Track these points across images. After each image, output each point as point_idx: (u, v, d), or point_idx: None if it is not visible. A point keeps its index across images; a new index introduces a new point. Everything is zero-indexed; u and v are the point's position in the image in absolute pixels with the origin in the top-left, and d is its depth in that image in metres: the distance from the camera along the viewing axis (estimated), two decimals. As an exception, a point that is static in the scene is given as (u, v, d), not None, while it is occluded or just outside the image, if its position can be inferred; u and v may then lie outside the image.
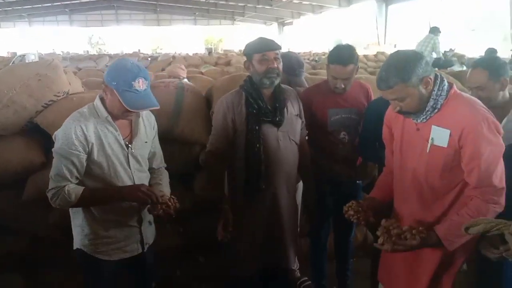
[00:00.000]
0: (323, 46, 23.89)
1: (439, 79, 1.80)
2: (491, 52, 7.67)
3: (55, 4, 32.91)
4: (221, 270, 2.70)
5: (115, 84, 1.85)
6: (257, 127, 2.31)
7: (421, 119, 1.83)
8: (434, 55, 8.36)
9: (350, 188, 2.78)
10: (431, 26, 8.36)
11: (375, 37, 22.38)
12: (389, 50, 16.29)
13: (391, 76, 1.72)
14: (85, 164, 1.94)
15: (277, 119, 2.33)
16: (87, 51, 30.65)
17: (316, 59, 15.55)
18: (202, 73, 7.42)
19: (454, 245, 1.77)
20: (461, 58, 8.30)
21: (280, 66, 2.31)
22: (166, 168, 2.33)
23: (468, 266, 2.25)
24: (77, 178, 1.95)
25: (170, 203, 2.03)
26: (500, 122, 1.91)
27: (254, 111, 2.31)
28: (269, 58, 2.26)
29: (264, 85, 2.30)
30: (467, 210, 1.72)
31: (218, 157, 2.39)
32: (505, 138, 1.78)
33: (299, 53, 20.30)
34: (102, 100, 1.98)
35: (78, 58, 18.05)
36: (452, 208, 1.84)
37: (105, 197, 2.00)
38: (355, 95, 2.69)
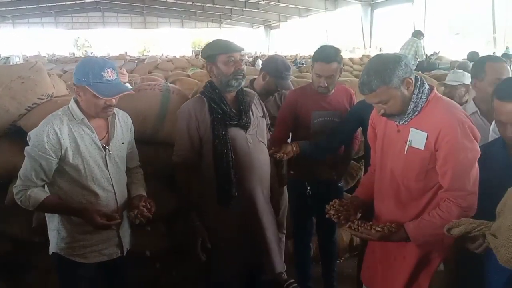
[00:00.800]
0: (309, 49, 24.01)
1: (419, 82, 1.82)
2: (473, 55, 7.80)
3: (40, 5, 32.49)
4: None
5: (85, 80, 1.87)
6: (224, 132, 2.24)
7: (403, 121, 1.85)
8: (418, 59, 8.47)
9: (332, 189, 2.81)
10: (414, 30, 8.47)
11: (361, 40, 22.60)
12: (375, 54, 16.47)
13: (372, 80, 1.73)
14: (54, 168, 1.95)
15: (243, 121, 2.29)
16: (73, 54, 30.37)
17: (303, 62, 15.63)
18: (189, 76, 7.43)
19: (421, 243, 1.83)
20: (453, 64, 8.37)
21: (245, 67, 2.30)
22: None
23: (446, 266, 2.28)
24: (43, 180, 1.96)
25: (144, 208, 2.05)
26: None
27: (219, 116, 2.25)
28: (236, 59, 2.23)
29: (231, 87, 2.26)
30: (438, 211, 1.77)
31: (187, 167, 2.32)
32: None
33: (285, 56, 20.36)
34: (77, 102, 1.98)
35: (64, 60, 17.88)
36: (425, 211, 1.87)
37: (63, 213, 2.02)
38: (338, 99, 2.72)
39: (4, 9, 31.32)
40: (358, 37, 23.08)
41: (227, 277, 2.41)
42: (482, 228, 1.41)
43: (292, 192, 3.00)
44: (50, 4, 32.99)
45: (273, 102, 3.04)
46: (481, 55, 8.49)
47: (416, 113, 1.82)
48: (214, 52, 2.25)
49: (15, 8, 31.76)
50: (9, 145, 2.76)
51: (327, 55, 2.53)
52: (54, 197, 1.98)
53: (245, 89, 2.40)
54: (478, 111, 2.49)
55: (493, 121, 2.36)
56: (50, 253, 2.11)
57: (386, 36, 20.63)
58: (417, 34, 8.36)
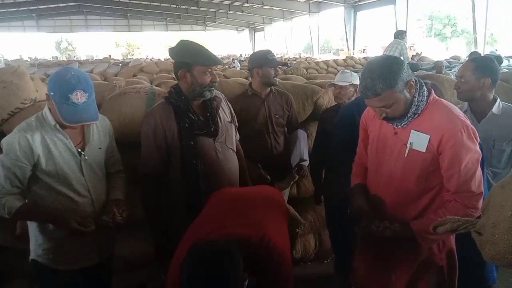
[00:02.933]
0: (294, 51, 24.15)
1: (418, 84, 1.81)
2: (475, 55, 7.91)
3: (21, 9, 31.99)
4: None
5: (53, 94, 1.82)
6: (192, 142, 2.16)
7: (402, 124, 1.84)
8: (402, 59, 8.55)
9: None
10: (397, 31, 8.52)
11: (344, 42, 22.80)
12: (358, 55, 16.64)
13: (377, 83, 1.70)
14: (28, 175, 1.92)
15: (211, 129, 2.21)
16: (56, 57, 29.97)
17: (288, 64, 15.68)
18: (174, 79, 7.39)
19: (426, 241, 1.83)
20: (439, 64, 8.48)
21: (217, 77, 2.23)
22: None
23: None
24: (18, 187, 1.92)
25: (117, 213, 2.02)
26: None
27: (187, 125, 2.15)
28: (212, 72, 2.16)
29: (203, 97, 2.18)
30: (445, 211, 1.77)
31: (155, 178, 2.22)
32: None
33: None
34: (50, 108, 1.94)
35: (47, 64, 17.60)
36: (425, 212, 1.88)
37: (40, 220, 1.99)
38: None
39: (-16, 12, 30.77)
40: (342, 39, 23.27)
41: None
42: (467, 225, 1.42)
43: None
44: (32, 8, 32.51)
45: (274, 100, 3.02)
46: (463, 56, 8.68)
47: (416, 115, 1.81)
48: (192, 62, 2.13)
49: (-5, 11, 31.23)
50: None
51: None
52: (29, 205, 1.95)
53: None
54: (469, 108, 2.56)
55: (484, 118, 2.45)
56: (30, 259, 2.08)
57: (369, 38, 20.86)
58: (400, 35, 8.43)
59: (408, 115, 1.80)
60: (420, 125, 1.81)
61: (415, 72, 6.63)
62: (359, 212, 2.01)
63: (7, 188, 1.89)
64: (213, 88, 2.18)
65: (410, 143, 1.82)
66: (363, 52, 20.70)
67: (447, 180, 1.79)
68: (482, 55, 5.86)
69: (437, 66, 7.87)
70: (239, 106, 2.79)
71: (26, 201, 1.98)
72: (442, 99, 1.88)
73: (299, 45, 33.16)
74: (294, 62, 15.39)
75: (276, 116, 2.98)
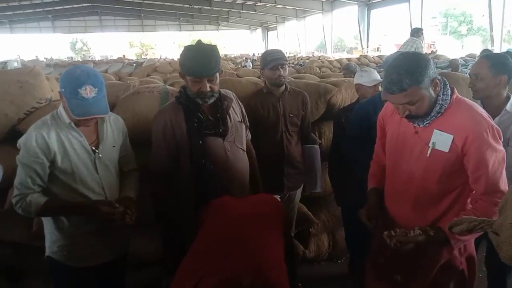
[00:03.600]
0: (307, 50, 24.08)
1: (442, 83, 1.77)
2: (487, 52, 7.78)
3: (37, 10, 32.48)
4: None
5: (64, 91, 1.84)
6: (200, 142, 2.16)
7: (425, 123, 1.80)
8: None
9: None
10: (413, 28, 8.40)
11: (358, 41, 22.65)
12: (372, 54, 16.51)
13: (404, 79, 1.65)
14: (48, 172, 1.94)
15: (220, 130, 2.20)
16: (71, 58, 30.35)
17: (301, 63, 15.65)
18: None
19: (459, 243, 1.79)
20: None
21: (216, 86, 2.15)
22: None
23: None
24: (40, 186, 1.95)
25: (127, 213, 2.00)
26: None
27: (195, 125, 2.16)
28: (202, 82, 2.09)
29: (197, 102, 2.16)
30: (474, 211, 1.72)
31: (165, 177, 2.24)
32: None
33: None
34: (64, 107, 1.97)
35: (62, 64, 17.85)
36: (446, 215, 1.83)
37: (67, 212, 2.01)
38: None
39: (1, 14, 31.30)
40: (356, 38, 23.10)
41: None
42: (484, 225, 1.41)
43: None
44: (47, 9, 32.99)
45: (289, 97, 3.00)
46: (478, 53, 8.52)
47: (440, 114, 1.77)
48: (183, 70, 2.15)
49: (12, 12, 31.74)
50: (9, 150, 2.75)
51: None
52: (54, 199, 1.97)
53: (223, 92, 2.30)
54: (482, 107, 2.51)
55: (498, 116, 2.40)
56: (45, 255, 2.11)
57: (384, 36, 20.66)
58: (416, 32, 8.31)
59: (432, 114, 1.76)
60: (443, 124, 1.77)
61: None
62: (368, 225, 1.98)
63: (30, 187, 1.92)
64: (203, 97, 2.13)
65: (433, 142, 1.78)
66: (377, 50, 20.55)
67: (474, 181, 1.75)
68: (497, 52, 5.71)
69: (453, 64, 7.77)
70: (254, 102, 2.84)
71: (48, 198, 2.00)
72: (465, 98, 1.84)
73: (312, 44, 33.02)
74: (307, 61, 15.34)
75: (291, 115, 2.95)
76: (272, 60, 2.86)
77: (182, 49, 2.19)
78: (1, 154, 2.72)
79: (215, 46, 2.16)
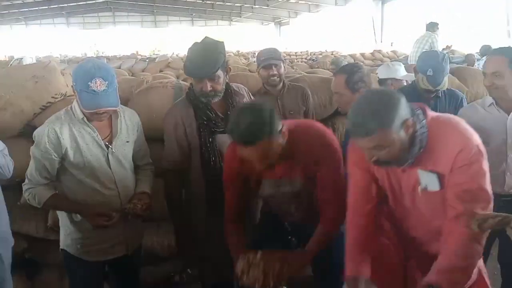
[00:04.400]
0: (320, 45, 23.92)
1: (415, 116, 1.56)
2: (487, 48, 7.66)
3: (52, 6, 32.79)
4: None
5: (75, 84, 1.86)
6: (210, 139, 2.17)
7: (405, 165, 1.60)
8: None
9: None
10: (428, 22, 8.27)
11: (372, 35, 22.41)
12: (386, 49, 16.33)
13: (369, 121, 1.45)
14: (57, 167, 1.98)
15: None
16: (85, 54, 30.62)
17: (314, 58, 15.56)
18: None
19: None
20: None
21: (219, 85, 2.12)
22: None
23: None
24: (47, 178, 2.00)
25: (138, 204, 2.04)
26: None
27: (205, 123, 2.17)
28: (203, 82, 2.09)
29: (201, 101, 2.16)
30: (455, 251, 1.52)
31: (177, 174, 2.27)
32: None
33: (296, 52, 20.27)
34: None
35: (76, 60, 17.95)
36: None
37: (67, 210, 2.06)
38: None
39: (16, 10, 31.66)
40: (369, 32, 22.88)
41: (220, 283, 2.36)
42: (507, 220, 1.38)
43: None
44: (62, 5, 33.28)
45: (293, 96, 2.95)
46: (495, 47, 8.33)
47: (422, 149, 1.56)
48: (185, 71, 2.17)
49: (27, 9, 32.10)
50: (25, 145, 2.77)
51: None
52: (57, 196, 2.02)
53: (235, 87, 2.28)
54: (494, 102, 2.45)
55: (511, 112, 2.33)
56: (60, 248, 2.15)
57: (397, 31, 20.43)
58: (432, 27, 8.18)
59: (411, 155, 1.56)
60: (427, 159, 1.57)
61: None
62: None
63: (37, 179, 1.98)
64: (207, 96, 2.12)
65: (420, 184, 1.60)
66: (391, 45, 20.31)
67: (456, 197, 1.54)
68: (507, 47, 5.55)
69: (469, 59, 7.65)
70: None
71: (56, 192, 2.05)
72: (438, 116, 1.63)
73: (326, 38, 32.79)
74: (320, 56, 15.22)
75: (291, 112, 2.87)
76: (264, 60, 2.84)
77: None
78: (17, 148, 2.74)
79: (220, 43, 2.13)
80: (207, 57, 2.06)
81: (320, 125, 1.98)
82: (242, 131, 1.62)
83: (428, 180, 1.58)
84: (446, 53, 9.78)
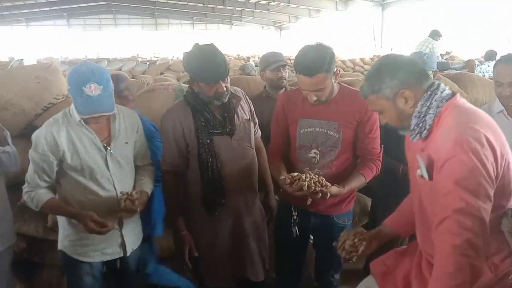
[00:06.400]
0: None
1: (428, 93, 1.50)
2: (491, 54, 7.68)
3: (53, 8, 32.86)
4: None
5: (70, 88, 1.87)
6: (208, 141, 2.19)
7: (413, 137, 1.55)
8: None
9: (325, 223, 2.34)
10: (432, 30, 8.33)
11: (372, 40, 22.47)
12: (386, 54, 16.32)
13: (364, 85, 1.53)
14: (56, 169, 1.98)
15: (227, 129, 2.21)
16: (85, 56, 30.64)
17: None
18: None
19: None
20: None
21: (228, 84, 2.17)
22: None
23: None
24: (46, 181, 2.00)
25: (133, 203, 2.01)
26: None
27: (203, 124, 2.18)
28: (218, 84, 2.10)
29: (213, 103, 2.17)
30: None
31: (175, 174, 2.30)
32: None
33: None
34: None
35: (76, 62, 17.99)
36: None
37: (64, 214, 2.06)
38: (342, 107, 2.17)
39: (17, 11, 31.72)
40: (369, 37, 22.94)
41: (217, 284, 2.38)
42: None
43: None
44: (63, 7, 33.34)
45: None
46: (500, 54, 8.37)
47: (425, 131, 1.50)
48: (195, 78, 2.15)
49: (29, 10, 32.14)
50: (26, 145, 2.78)
51: (307, 66, 1.99)
52: (54, 200, 2.02)
53: (232, 90, 2.28)
54: (504, 110, 2.44)
55: None
56: (58, 249, 2.16)
57: (397, 36, 20.46)
58: (435, 35, 8.24)
59: (413, 128, 1.52)
60: (430, 146, 1.49)
61: (444, 71, 6.52)
62: None
63: (36, 182, 1.98)
64: (221, 97, 2.14)
65: (418, 169, 1.53)
66: (391, 50, 20.35)
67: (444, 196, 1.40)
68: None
69: (469, 65, 7.67)
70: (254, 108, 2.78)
71: (54, 195, 2.05)
72: (463, 104, 1.51)
73: (326, 43, 32.82)
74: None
75: None
76: (274, 62, 2.90)
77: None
78: (18, 149, 2.75)
79: (215, 46, 2.15)
80: (218, 61, 2.07)
81: None
82: (306, 63, 1.99)
83: (421, 167, 1.52)
84: (446, 58, 9.80)
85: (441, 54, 9.48)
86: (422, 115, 1.49)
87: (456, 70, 7.41)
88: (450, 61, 9.50)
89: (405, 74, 1.48)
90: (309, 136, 2.21)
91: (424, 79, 1.52)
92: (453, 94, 1.51)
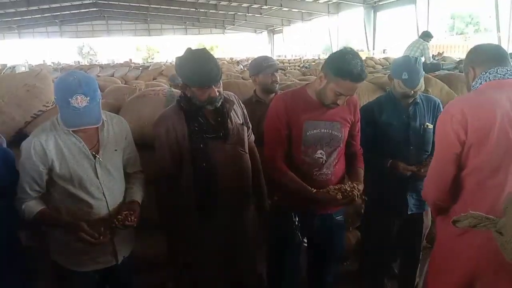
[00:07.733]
0: (313, 52, 24.09)
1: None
2: None
3: (45, 15, 32.83)
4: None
5: (56, 98, 1.85)
6: (201, 145, 2.18)
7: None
8: (423, 60, 8.42)
9: (325, 222, 2.38)
10: (423, 31, 8.40)
11: (364, 43, 22.60)
12: (378, 56, 16.45)
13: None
14: (45, 178, 1.95)
15: (221, 134, 2.21)
16: (78, 62, 30.55)
17: (307, 65, 15.63)
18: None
19: None
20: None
21: (221, 89, 2.17)
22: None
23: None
24: (37, 191, 1.97)
25: (127, 216, 2.00)
26: None
27: (196, 128, 2.17)
28: (210, 89, 2.09)
29: (206, 108, 2.17)
30: None
31: (168, 179, 2.27)
32: None
33: (289, 60, 20.36)
34: None
35: (69, 68, 17.96)
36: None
37: (54, 226, 2.03)
38: (340, 108, 2.22)
39: (10, 19, 31.65)
40: (361, 40, 23.09)
41: None
42: (487, 224, 1.40)
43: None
44: (55, 14, 33.31)
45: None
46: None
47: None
48: (187, 83, 2.14)
49: (21, 18, 32.08)
50: (16, 153, 2.76)
51: (358, 74, 2.02)
52: (45, 211, 1.98)
53: (225, 94, 2.27)
54: None
55: None
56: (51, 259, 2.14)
57: (390, 39, 20.62)
58: (425, 36, 8.30)
59: None
60: None
61: (436, 72, 6.56)
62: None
63: (27, 192, 1.95)
64: (214, 102, 2.14)
65: None
66: (383, 52, 20.48)
67: None
68: None
69: (460, 66, 7.72)
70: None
71: (45, 205, 2.02)
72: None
73: (318, 47, 32.98)
74: (313, 63, 15.31)
75: None
76: (268, 66, 2.92)
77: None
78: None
79: (207, 50, 2.16)
80: (211, 66, 2.06)
81: None
82: (358, 71, 2.01)
83: None
84: (438, 59, 9.86)
85: (433, 55, 9.54)
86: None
87: (448, 70, 7.46)
88: (442, 62, 9.57)
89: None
90: (315, 137, 2.24)
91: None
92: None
